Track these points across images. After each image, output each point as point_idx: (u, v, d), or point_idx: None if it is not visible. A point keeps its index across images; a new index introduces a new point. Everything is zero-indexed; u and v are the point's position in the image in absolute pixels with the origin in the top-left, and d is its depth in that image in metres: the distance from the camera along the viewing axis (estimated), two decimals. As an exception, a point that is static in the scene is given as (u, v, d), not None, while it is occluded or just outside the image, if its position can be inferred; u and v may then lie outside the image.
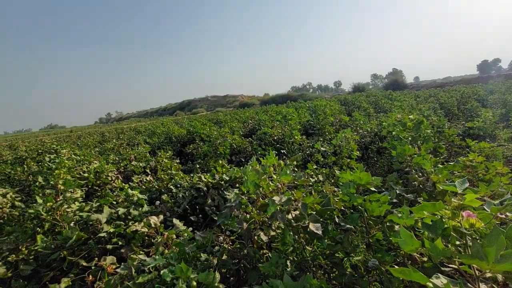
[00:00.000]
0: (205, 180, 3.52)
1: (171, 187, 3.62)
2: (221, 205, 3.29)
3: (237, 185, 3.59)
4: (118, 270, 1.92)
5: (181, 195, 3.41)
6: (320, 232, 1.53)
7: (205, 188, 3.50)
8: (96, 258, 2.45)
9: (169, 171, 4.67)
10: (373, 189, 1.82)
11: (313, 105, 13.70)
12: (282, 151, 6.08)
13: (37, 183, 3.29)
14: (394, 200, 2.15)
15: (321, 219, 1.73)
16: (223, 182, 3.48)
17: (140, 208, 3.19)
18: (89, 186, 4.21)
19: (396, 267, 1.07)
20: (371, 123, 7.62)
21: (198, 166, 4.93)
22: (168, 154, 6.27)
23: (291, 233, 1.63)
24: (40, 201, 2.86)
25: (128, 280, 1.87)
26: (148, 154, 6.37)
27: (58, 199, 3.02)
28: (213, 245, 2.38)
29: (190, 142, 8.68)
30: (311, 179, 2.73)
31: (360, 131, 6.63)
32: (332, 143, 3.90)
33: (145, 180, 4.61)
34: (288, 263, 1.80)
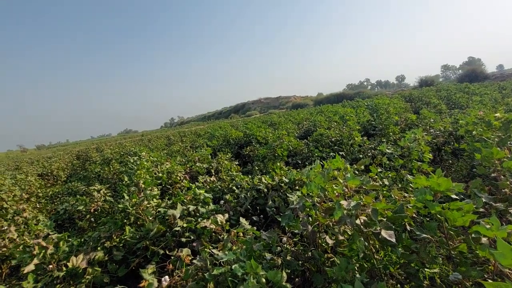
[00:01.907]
0: (265, 181, 3.63)
1: (234, 187, 3.83)
2: (282, 207, 3.35)
3: (297, 188, 3.62)
4: (194, 261, 2.13)
5: (243, 196, 3.58)
6: (393, 240, 1.46)
7: (265, 190, 3.61)
8: (174, 250, 2.76)
9: (230, 173, 4.94)
10: (454, 196, 1.66)
11: (373, 104, 12.85)
12: (341, 153, 5.86)
13: (123, 182, 3.83)
14: (480, 210, 1.92)
15: (393, 226, 1.64)
16: (283, 184, 3.54)
17: (207, 206, 3.47)
18: (162, 185, 4.74)
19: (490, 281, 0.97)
20: (443, 121, 6.80)
21: (256, 168, 5.10)
22: (227, 156, 6.63)
23: (362, 239, 1.59)
24: (126, 197, 3.35)
25: (203, 271, 2.07)
26: (209, 156, 6.84)
27: (140, 196, 3.48)
28: (276, 246, 2.45)
29: (247, 144, 8.99)
30: (377, 183, 2.60)
31: (431, 130, 5.98)
32: (399, 145, 3.62)
33: (208, 181, 4.97)
34: (355, 269, 1.76)
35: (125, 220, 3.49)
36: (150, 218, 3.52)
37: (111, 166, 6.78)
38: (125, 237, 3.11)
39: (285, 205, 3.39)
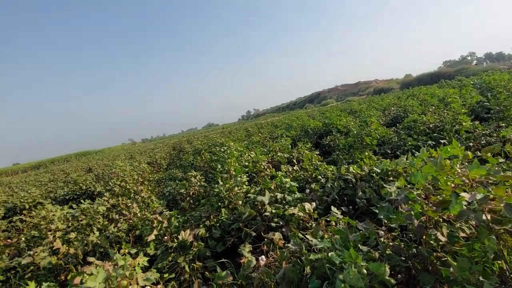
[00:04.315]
0: (354, 171, 3.45)
1: (319, 177, 3.78)
2: (373, 198, 3.14)
3: (390, 179, 3.31)
4: (288, 245, 2.21)
5: (329, 185, 3.50)
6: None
7: (353, 180, 3.43)
8: (265, 233, 2.93)
9: (313, 162, 4.88)
10: None
11: (483, 81, 10.54)
12: (442, 141, 5.06)
13: (217, 169, 4.25)
14: None
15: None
16: (374, 175, 3.30)
17: (293, 195, 3.53)
18: (248, 173, 5.05)
19: None
20: None
21: (342, 157, 4.88)
22: (307, 146, 6.56)
23: (493, 237, 1.34)
24: (221, 183, 3.71)
25: (298, 255, 2.13)
26: (289, 146, 6.91)
27: (232, 182, 3.80)
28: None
29: (326, 134, 8.70)
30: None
31: None
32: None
33: (290, 170, 5.04)
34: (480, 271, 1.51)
35: (220, 203, 3.88)
36: (240, 203, 3.81)
37: (202, 156, 7.60)
38: (221, 218, 3.47)
39: (377, 196, 3.15)
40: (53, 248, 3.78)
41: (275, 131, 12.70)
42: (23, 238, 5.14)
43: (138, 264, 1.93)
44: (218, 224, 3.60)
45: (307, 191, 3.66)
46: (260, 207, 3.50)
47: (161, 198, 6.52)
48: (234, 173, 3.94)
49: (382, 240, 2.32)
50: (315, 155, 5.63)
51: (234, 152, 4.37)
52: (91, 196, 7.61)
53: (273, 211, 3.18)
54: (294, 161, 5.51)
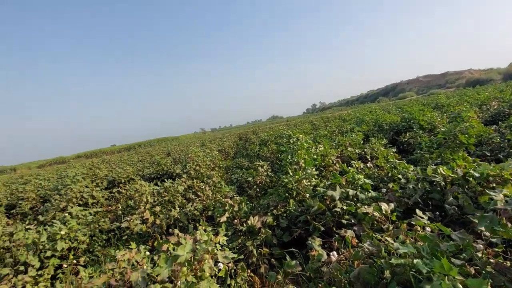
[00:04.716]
0: (444, 173, 3.02)
1: (399, 176, 3.43)
2: (468, 206, 2.69)
3: (493, 185, 2.78)
4: (364, 245, 2.09)
5: (411, 187, 3.15)
6: None
7: (442, 183, 3.01)
8: (333, 229, 2.83)
9: (389, 160, 4.46)
10: None
11: None
12: None
13: (287, 160, 4.28)
14: None
15: None
16: (471, 179, 2.82)
17: (366, 193, 3.30)
18: (316, 166, 4.94)
19: None
20: None
21: (427, 156, 4.32)
22: (382, 142, 6.02)
23: None
24: (290, 173, 3.72)
25: (373, 257, 1.99)
26: (361, 141, 6.46)
27: (301, 174, 3.77)
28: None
29: (405, 130, 7.82)
30: None
31: None
32: None
33: (362, 166, 4.71)
34: None
35: (287, 194, 3.91)
36: (308, 195, 3.76)
37: (268, 147, 7.75)
38: (289, 209, 3.50)
39: (474, 204, 2.70)
40: (143, 218, 4.43)
41: (343, 125, 12.04)
42: (120, 207, 6.14)
43: (219, 242, 2.10)
44: (285, 215, 3.64)
45: (383, 190, 3.38)
46: (329, 202, 3.39)
47: (229, 184, 6.94)
48: (303, 165, 3.90)
49: (480, 255, 1.98)
50: (392, 153, 5.13)
51: (304, 144, 4.31)
52: (171, 177, 8.59)
53: (344, 207, 3.04)
54: (368, 157, 5.14)
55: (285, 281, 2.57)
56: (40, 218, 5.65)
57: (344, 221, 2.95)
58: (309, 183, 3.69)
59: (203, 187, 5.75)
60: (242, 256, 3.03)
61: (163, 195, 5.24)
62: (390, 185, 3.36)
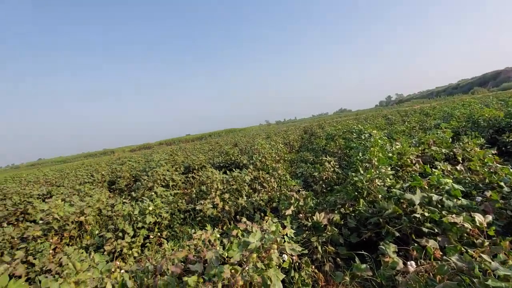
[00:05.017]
0: None
1: (500, 183, 2.87)
2: None
3: None
4: (449, 258, 1.84)
5: (518, 197, 2.60)
6: None
7: None
8: (411, 236, 2.56)
9: (487, 163, 3.76)
10: None
11: None
12: None
13: (356, 157, 4.03)
14: None
15: None
16: None
17: (455, 200, 2.87)
18: (391, 166, 4.51)
19: None
20: None
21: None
22: (478, 141, 5.10)
23: None
24: (361, 171, 3.49)
25: (461, 274, 1.74)
26: (449, 140, 5.60)
27: (373, 173, 3.51)
28: None
29: (511, 129, 6.44)
30: None
31: None
32: None
33: (450, 169, 4.09)
34: None
35: (356, 193, 3.70)
36: (380, 196, 3.48)
37: (336, 141, 7.41)
38: (358, 208, 3.31)
39: None
40: (214, 203, 4.81)
41: (426, 120, 10.61)
42: (194, 190, 6.79)
43: (286, 234, 2.15)
44: (353, 214, 3.46)
45: (477, 199, 2.87)
46: (405, 206, 3.08)
47: (293, 177, 6.94)
48: (376, 163, 3.61)
49: None
50: (491, 155, 4.30)
51: (379, 140, 3.97)
52: (238, 166, 9.07)
53: (426, 214, 2.71)
54: (459, 158, 4.43)
55: (352, 283, 2.47)
56: (133, 194, 6.70)
57: (424, 229, 2.64)
58: (383, 183, 3.40)
59: (269, 178, 5.90)
60: (306, 251, 3.03)
61: (231, 184, 5.58)
62: (488, 193, 2.83)
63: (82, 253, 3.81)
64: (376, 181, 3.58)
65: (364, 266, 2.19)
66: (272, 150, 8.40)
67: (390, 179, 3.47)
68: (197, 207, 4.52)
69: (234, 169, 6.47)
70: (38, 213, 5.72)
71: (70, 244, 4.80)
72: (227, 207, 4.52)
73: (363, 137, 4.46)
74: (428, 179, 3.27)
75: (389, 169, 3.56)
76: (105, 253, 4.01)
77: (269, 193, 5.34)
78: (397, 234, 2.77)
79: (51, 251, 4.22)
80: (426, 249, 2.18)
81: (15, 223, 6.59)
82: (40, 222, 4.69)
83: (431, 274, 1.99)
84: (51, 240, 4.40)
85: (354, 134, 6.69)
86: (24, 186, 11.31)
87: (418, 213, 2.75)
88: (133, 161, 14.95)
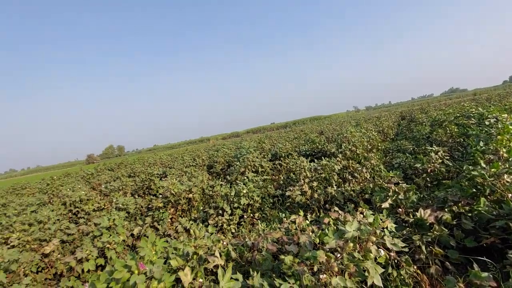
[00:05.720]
0: None
1: None
2: None
3: None
4: None
5: None
6: None
7: None
8: None
9: None
10: None
11: None
12: None
13: (473, 147, 3.36)
14: None
15: None
16: None
17: None
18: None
19: None
20: None
21: None
22: None
23: None
24: (483, 165, 2.90)
25: None
26: None
27: (501, 167, 2.86)
28: None
29: None
30: None
31: None
32: None
33: None
34: None
35: (475, 189, 3.10)
36: (510, 196, 2.82)
37: (446, 128, 6.29)
38: (477, 208, 2.78)
39: None
40: (302, 190, 4.89)
41: None
42: (282, 177, 7.03)
43: (387, 227, 2.03)
44: (470, 214, 2.93)
45: None
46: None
47: (388, 168, 6.31)
48: (506, 155, 2.92)
49: None
50: None
51: (510, 126, 3.16)
52: (325, 155, 8.85)
53: None
54: None
55: (467, 292, 2.14)
56: (228, 178, 7.47)
57: None
58: (514, 180, 2.74)
59: (360, 168, 5.56)
60: (406, 249, 2.77)
61: (319, 172, 5.54)
62: None
63: (191, 224, 4.55)
64: (505, 176, 2.91)
65: (485, 274, 1.86)
66: (364, 138, 7.81)
67: (528, 175, 2.76)
68: (287, 193, 4.70)
69: (321, 158, 6.35)
70: (159, 188, 7.09)
71: (182, 216, 5.78)
72: (316, 195, 4.53)
73: (486, 123, 3.63)
74: None
75: (525, 162, 2.83)
76: (209, 226, 4.68)
77: (361, 184, 5.05)
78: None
79: (169, 220, 5.20)
80: None
81: (143, 195, 8.38)
82: (160, 196, 5.81)
83: None
84: (169, 211, 5.41)
85: (473, 119, 5.54)
86: (147, 167, 14.14)
87: None
88: (225, 148, 16.55)
